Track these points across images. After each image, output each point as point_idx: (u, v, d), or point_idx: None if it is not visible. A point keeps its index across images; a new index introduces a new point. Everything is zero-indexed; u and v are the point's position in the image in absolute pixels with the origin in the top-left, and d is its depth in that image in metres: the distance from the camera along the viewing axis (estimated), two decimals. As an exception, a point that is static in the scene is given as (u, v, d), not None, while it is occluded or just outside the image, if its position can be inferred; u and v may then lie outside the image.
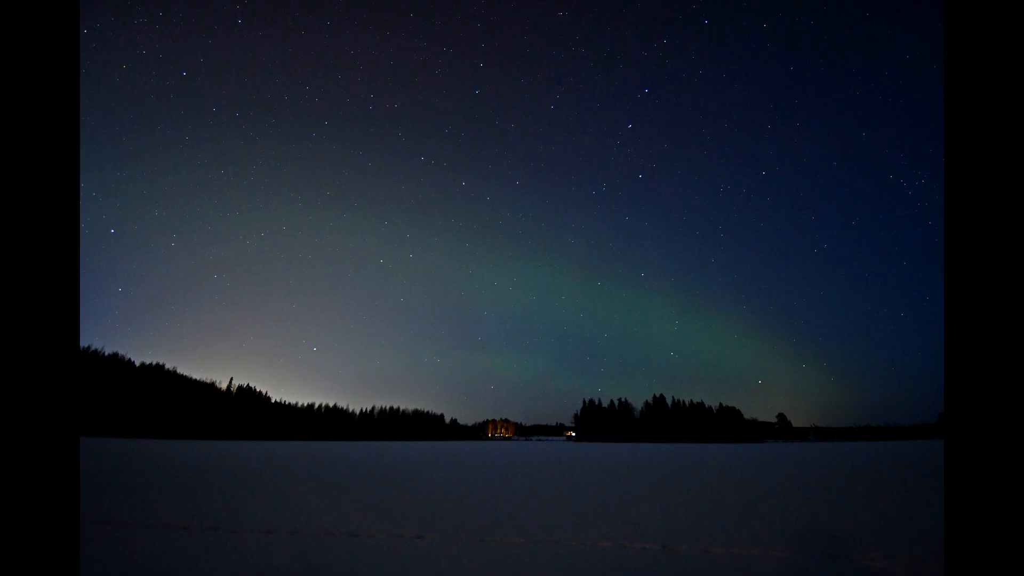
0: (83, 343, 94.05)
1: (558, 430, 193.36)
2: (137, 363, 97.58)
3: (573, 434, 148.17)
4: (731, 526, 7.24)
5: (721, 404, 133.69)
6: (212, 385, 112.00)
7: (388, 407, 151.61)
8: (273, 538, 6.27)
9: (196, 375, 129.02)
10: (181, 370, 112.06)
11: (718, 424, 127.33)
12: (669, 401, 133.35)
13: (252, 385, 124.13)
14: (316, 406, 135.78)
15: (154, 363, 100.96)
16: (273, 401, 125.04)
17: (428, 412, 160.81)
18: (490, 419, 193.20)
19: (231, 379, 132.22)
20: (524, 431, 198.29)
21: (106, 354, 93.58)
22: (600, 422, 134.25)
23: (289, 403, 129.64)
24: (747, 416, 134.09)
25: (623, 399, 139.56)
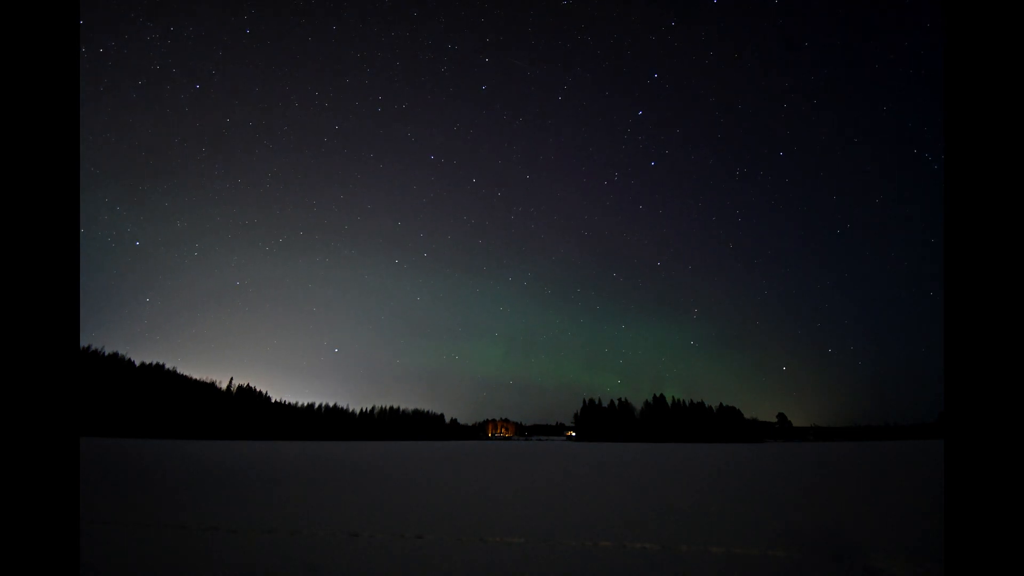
0: (112, 352, 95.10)
1: (558, 430, 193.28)
2: (137, 363, 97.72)
3: (573, 434, 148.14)
4: (731, 526, 7.24)
5: (721, 404, 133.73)
6: (212, 385, 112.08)
7: (388, 407, 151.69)
8: (273, 538, 6.27)
9: (203, 376, 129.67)
10: (192, 373, 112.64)
11: (718, 424, 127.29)
12: (669, 401, 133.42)
13: (253, 385, 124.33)
14: (316, 406, 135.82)
15: (154, 363, 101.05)
16: (273, 401, 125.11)
17: (428, 412, 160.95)
18: (490, 419, 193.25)
19: (231, 379, 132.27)
20: (524, 431, 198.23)
21: (106, 354, 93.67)
22: (600, 422, 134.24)
23: (289, 403, 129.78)
24: (747, 416, 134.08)
25: (623, 399, 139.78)
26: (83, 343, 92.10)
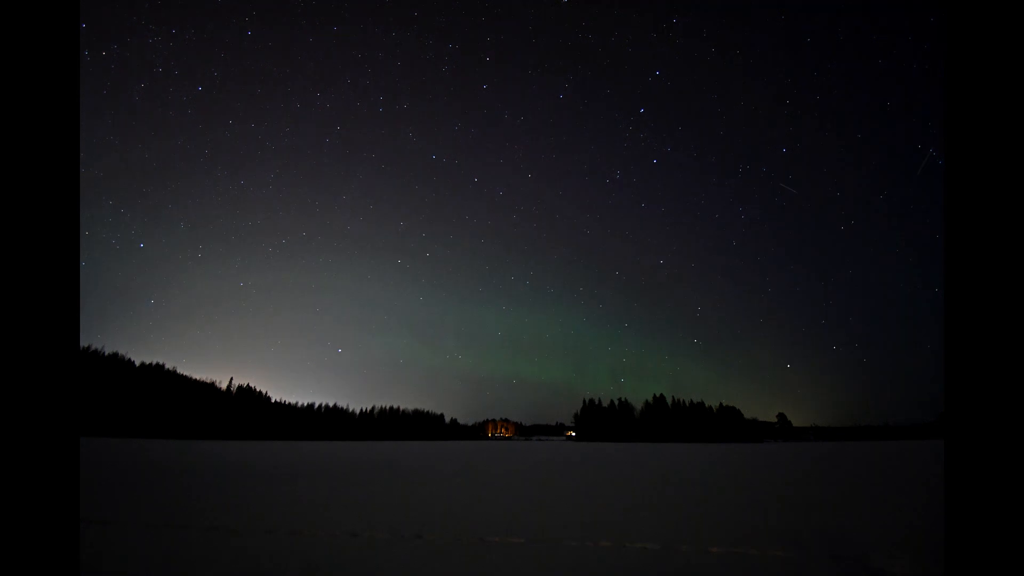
0: (112, 352, 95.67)
1: (558, 430, 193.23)
2: (137, 363, 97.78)
3: (573, 434, 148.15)
4: (731, 526, 7.24)
5: (721, 404, 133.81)
6: (212, 385, 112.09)
7: (388, 407, 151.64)
8: (273, 538, 6.27)
9: (205, 376, 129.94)
10: (197, 374, 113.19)
11: (718, 424, 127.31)
12: (669, 401, 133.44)
13: (254, 386, 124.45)
14: (316, 406, 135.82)
15: (154, 363, 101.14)
16: (273, 401, 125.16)
17: (428, 412, 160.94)
18: (490, 419, 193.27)
19: (231, 379, 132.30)
20: (524, 431, 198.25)
21: (106, 354, 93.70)
22: (600, 422, 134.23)
23: (289, 403, 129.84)
24: (747, 416, 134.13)
25: (623, 399, 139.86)
26: (89, 345, 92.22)
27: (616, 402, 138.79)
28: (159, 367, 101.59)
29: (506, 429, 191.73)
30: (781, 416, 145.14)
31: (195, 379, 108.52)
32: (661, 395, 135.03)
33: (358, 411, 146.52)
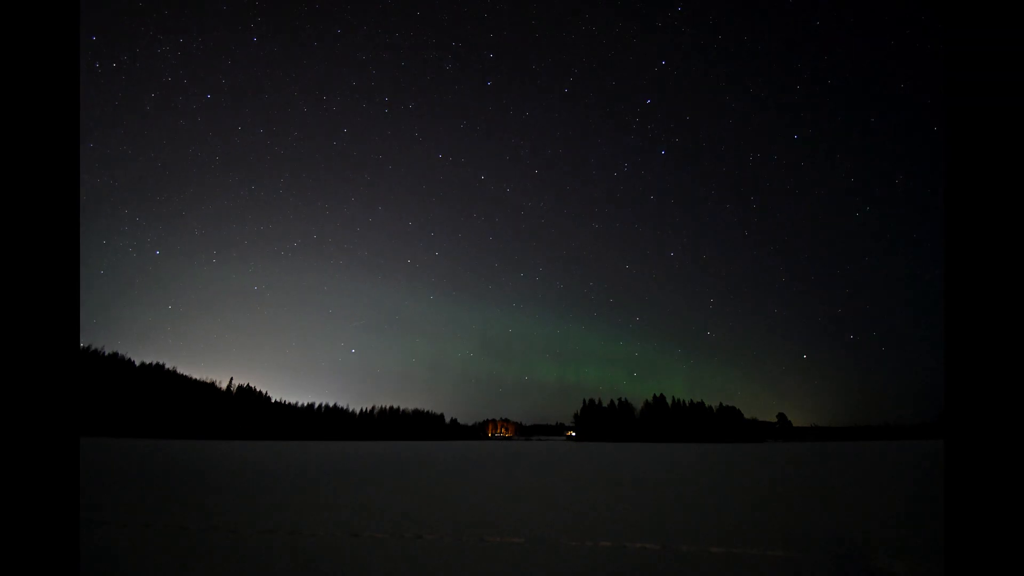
0: (137, 361, 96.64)
1: (558, 430, 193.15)
2: (137, 363, 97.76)
3: (573, 434, 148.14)
4: (731, 526, 7.24)
5: (721, 404, 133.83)
6: (212, 385, 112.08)
7: (388, 407, 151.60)
8: (273, 538, 6.27)
9: (206, 376, 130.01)
10: (206, 375, 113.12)
11: (718, 424, 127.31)
12: (669, 401, 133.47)
13: (253, 385, 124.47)
14: (316, 406, 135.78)
15: (153, 363, 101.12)
16: (273, 401, 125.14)
17: (428, 412, 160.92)
18: (490, 419, 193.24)
19: (231, 379, 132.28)
20: (524, 431, 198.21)
21: (106, 354, 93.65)
22: (600, 422, 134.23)
23: (288, 403, 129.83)
24: (747, 416, 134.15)
25: (623, 398, 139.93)
26: (89, 345, 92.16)
27: (616, 402, 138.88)
28: (159, 367, 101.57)
29: (506, 429, 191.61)
30: (781, 416, 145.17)
31: (195, 379, 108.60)
32: (661, 395, 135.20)
33: (358, 411, 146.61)
